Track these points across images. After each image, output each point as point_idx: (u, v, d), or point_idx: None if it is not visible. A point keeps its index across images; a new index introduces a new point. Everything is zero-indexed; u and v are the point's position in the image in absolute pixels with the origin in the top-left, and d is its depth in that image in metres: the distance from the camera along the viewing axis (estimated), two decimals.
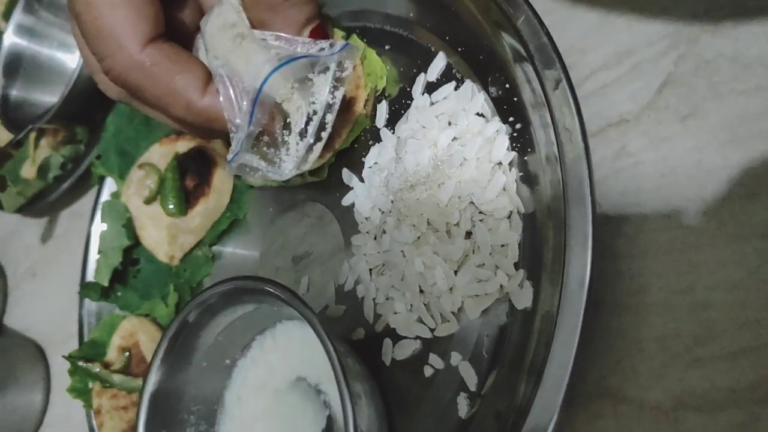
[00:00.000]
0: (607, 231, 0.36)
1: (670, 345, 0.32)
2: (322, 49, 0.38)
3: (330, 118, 0.41)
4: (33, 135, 0.73)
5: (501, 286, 0.37)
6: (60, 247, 0.72)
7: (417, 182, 0.40)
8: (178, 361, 0.43)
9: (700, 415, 0.31)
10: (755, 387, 0.30)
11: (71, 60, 0.73)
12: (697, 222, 0.33)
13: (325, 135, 0.42)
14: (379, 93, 0.47)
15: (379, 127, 0.46)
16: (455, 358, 0.38)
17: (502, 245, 0.37)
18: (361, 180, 0.46)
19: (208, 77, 0.38)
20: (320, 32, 0.38)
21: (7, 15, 0.85)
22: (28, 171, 0.75)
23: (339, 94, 0.41)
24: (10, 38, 0.72)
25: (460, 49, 0.43)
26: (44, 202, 0.70)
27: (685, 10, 0.36)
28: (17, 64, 0.72)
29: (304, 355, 0.43)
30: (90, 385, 0.56)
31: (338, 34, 0.47)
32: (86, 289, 0.57)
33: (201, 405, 0.44)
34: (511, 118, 0.39)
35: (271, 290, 0.36)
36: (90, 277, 0.60)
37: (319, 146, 0.42)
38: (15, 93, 0.72)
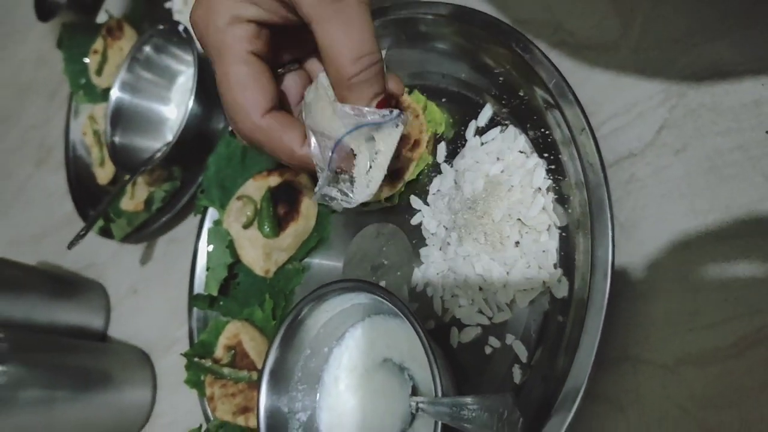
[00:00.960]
0: (623, 237, 0.48)
1: (672, 319, 0.44)
2: (384, 115, 0.51)
3: (384, 161, 0.53)
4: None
5: (543, 281, 0.49)
6: (159, 267, 0.85)
7: (475, 205, 0.52)
8: (290, 347, 0.55)
9: (695, 369, 0.43)
10: (734, 345, 0.41)
11: (166, 111, 0.87)
12: (688, 228, 0.45)
13: (380, 175, 0.53)
14: (438, 136, 0.60)
15: (439, 162, 0.59)
16: (509, 338, 0.50)
17: (543, 251, 0.49)
18: (426, 204, 0.59)
19: (305, 134, 0.51)
20: (384, 103, 0.50)
21: (99, 71, 1.00)
22: (128, 204, 0.89)
23: (390, 145, 0.53)
24: (116, 93, 0.86)
25: (503, 101, 0.56)
26: (146, 231, 0.83)
27: (676, 71, 0.49)
28: (121, 115, 0.86)
29: (390, 341, 0.55)
30: (202, 377, 0.68)
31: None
32: (197, 299, 0.70)
33: (305, 384, 0.57)
34: (546, 154, 0.52)
35: (380, 294, 0.49)
36: (198, 289, 0.73)
37: (378, 182, 0.53)
38: (118, 139, 0.85)
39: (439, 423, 0.43)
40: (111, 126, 0.84)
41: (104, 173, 0.95)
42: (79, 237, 0.71)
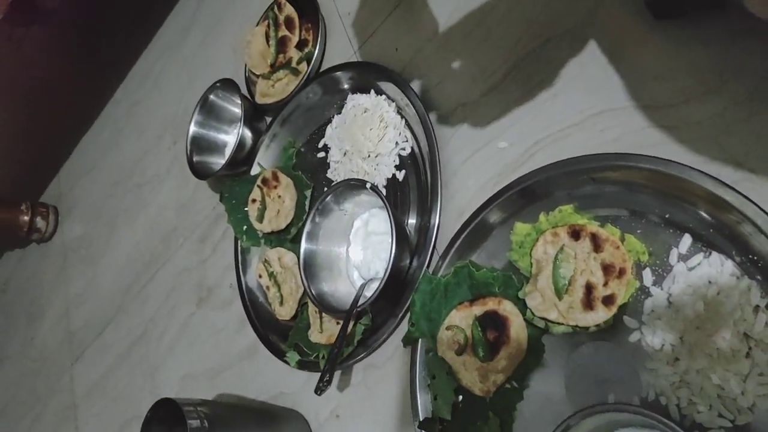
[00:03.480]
0: None
1: None
2: None
3: None
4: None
5: None
6: (358, 393, 0.95)
7: (702, 324, 0.62)
8: None
9: None
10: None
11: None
12: None
13: None
14: (642, 263, 0.70)
15: (647, 286, 0.69)
16: None
17: None
18: (642, 322, 0.69)
19: None
20: None
21: (261, 218, 1.12)
22: (318, 337, 1.00)
23: None
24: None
25: (702, 231, 0.67)
26: (346, 363, 0.94)
27: None
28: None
29: None
30: None
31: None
32: (426, 424, 0.80)
33: None
34: (759, 276, 0.62)
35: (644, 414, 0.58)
36: (421, 415, 0.82)
37: None
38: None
39: None
40: (306, 278, 0.95)
41: (285, 311, 1.06)
42: (326, 384, 0.81)
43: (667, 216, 0.70)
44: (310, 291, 0.93)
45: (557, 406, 0.73)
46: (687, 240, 0.67)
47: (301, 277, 0.94)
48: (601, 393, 0.71)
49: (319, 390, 0.80)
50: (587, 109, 0.79)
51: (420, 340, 0.84)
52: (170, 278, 1.38)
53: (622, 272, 0.70)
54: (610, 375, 0.71)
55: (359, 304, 0.88)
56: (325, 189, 1.06)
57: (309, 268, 0.96)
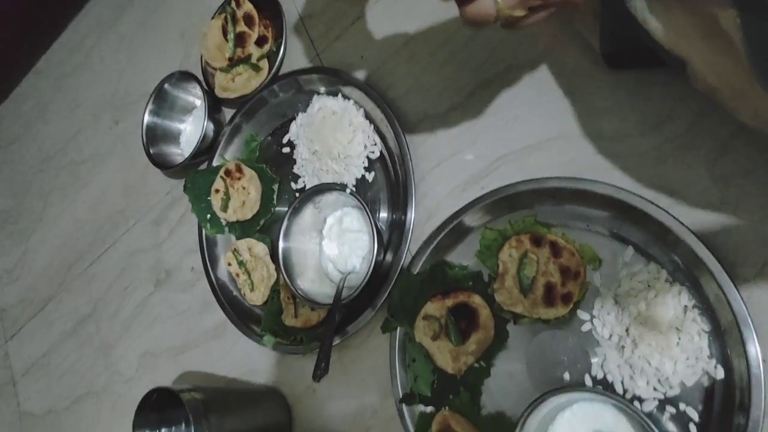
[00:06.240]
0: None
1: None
2: None
3: None
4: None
5: (702, 368, 0.77)
6: (334, 370, 1.07)
7: (645, 321, 0.79)
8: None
9: None
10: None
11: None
12: None
13: None
14: (594, 268, 0.86)
15: (597, 286, 0.85)
16: (682, 406, 0.78)
17: (699, 347, 0.77)
18: (593, 316, 0.85)
19: None
20: None
21: (225, 207, 1.20)
22: (293, 321, 1.10)
23: None
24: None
25: (642, 245, 0.83)
26: None
27: None
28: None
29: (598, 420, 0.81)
30: None
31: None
32: (407, 399, 0.94)
33: None
34: (687, 283, 0.79)
35: (596, 391, 0.75)
36: (401, 391, 0.96)
37: None
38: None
39: None
40: (287, 275, 1.04)
41: (255, 296, 1.15)
42: (323, 371, 0.92)
43: (614, 230, 0.86)
44: (296, 288, 1.03)
45: (519, 382, 0.89)
46: (630, 251, 0.84)
47: (283, 274, 1.04)
48: (557, 372, 0.87)
49: (317, 377, 0.91)
50: (545, 133, 0.92)
51: (398, 328, 0.97)
52: (121, 259, 1.41)
53: (577, 275, 0.86)
54: (566, 357, 0.87)
55: (343, 297, 0.99)
56: (292, 183, 1.15)
57: (286, 263, 1.06)
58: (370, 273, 0.96)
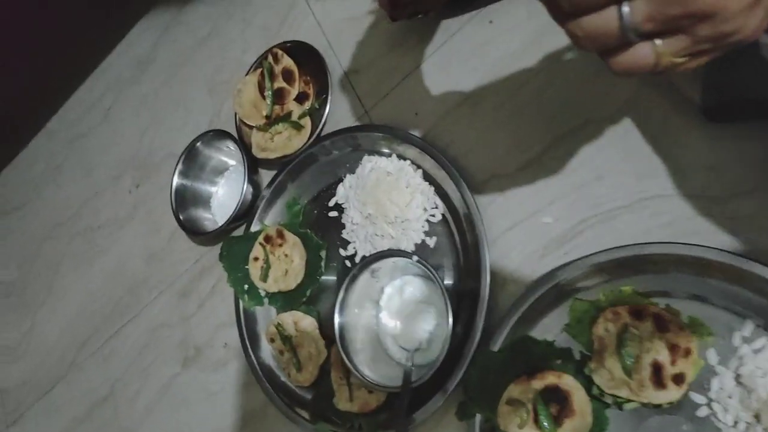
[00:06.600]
0: None
1: None
2: None
3: None
4: None
5: None
6: None
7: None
8: None
9: None
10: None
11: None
12: None
13: None
14: (707, 344, 0.77)
15: (712, 365, 0.76)
16: None
17: None
18: (710, 400, 0.75)
19: None
20: None
21: (265, 277, 1.10)
22: (347, 405, 0.99)
23: None
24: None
25: (764, 317, 0.74)
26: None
27: None
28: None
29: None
30: None
31: None
32: None
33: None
34: None
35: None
36: None
37: None
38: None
39: None
40: (347, 356, 0.93)
41: (303, 376, 1.04)
42: None
43: (727, 300, 0.77)
44: (359, 372, 0.92)
45: None
46: (749, 325, 0.75)
47: (343, 355, 0.93)
48: None
49: None
50: (635, 193, 0.84)
51: (477, 414, 0.86)
52: (142, 334, 1.30)
53: (687, 352, 0.76)
54: None
55: (413, 380, 0.88)
56: (341, 250, 1.06)
57: (344, 341, 0.95)
58: (445, 351, 0.86)
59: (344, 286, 0.95)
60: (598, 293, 0.83)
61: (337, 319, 0.95)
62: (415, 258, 0.90)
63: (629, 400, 0.78)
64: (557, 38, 0.92)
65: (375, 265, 0.96)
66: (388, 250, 0.96)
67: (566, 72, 0.92)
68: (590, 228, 0.87)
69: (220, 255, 1.13)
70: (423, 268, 0.91)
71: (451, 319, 0.87)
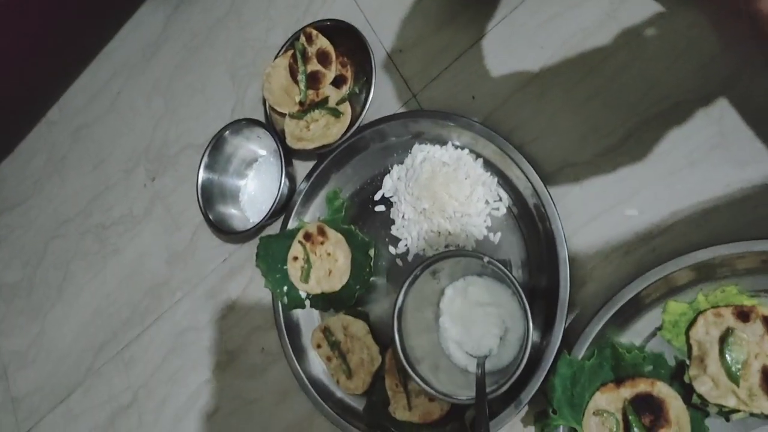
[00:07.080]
0: None
1: None
2: None
3: None
4: None
5: None
6: None
7: None
8: None
9: None
10: None
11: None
12: None
13: None
14: None
15: None
16: None
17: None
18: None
19: None
20: None
21: (306, 277, 1.01)
22: (405, 414, 0.91)
23: None
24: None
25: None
26: None
27: None
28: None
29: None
30: None
31: None
32: None
33: None
34: None
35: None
36: None
37: None
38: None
39: None
40: (413, 369, 0.85)
41: (354, 384, 0.96)
42: None
43: None
44: (426, 383, 0.84)
45: None
46: None
47: (405, 365, 0.84)
48: None
49: None
50: (736, 182, 0.77)
51: (561, 426, 0.79)
52: (166, 338, 1.21)
53: None
54: None
55: (489, 391, 0.80)
56: (390, 248, 0.98)
57: (405, 349, 0.87)
58: (525, 358, 0.78)
59: (404, 289, 0.87)
60: (696, 293, 0.76)
61: (395, 325, 0.87)
62: (487, 259, 0.82)
63: (736, 410, 0.71)
64: (637, 11, 0.84)
65: (437, 265, 0.87)
66: (457, 249, 0.89)
67: (648, 49, 0.83)
68: (682, 221, 0.79)
69: (256, 255, 1.04)
70: (493, 268, 0.82)
71: (531, 324, 0.79)
